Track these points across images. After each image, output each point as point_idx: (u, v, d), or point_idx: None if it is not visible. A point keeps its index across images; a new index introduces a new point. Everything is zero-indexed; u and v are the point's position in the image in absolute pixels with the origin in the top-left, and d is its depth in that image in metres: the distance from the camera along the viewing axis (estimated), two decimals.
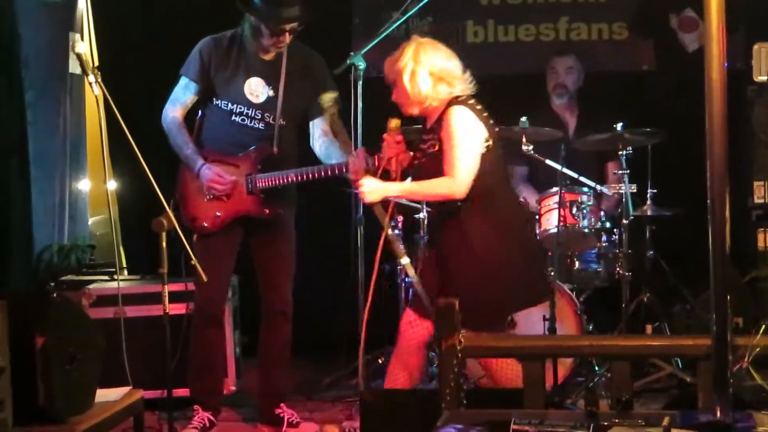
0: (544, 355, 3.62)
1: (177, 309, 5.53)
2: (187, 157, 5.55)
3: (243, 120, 5.56)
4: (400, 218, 6.42)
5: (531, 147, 6.29)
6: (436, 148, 4.91)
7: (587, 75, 7.16)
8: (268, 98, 5.57)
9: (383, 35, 5.78)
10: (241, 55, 5.58)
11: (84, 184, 7.58)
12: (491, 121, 4.95)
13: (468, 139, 4.82)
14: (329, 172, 5.37)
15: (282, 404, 5.75)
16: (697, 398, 3.29)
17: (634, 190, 6.35)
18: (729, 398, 2.94)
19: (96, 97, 4.76)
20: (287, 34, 5.45)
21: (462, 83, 4.94)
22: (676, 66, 7.43)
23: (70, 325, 4.23)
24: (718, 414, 2.94)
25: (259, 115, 5.56)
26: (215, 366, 5.82)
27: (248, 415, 5.99)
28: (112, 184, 7.33)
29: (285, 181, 5.47)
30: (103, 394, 4.45)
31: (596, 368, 6.19)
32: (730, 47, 2.91)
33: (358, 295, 5.67)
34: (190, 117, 5.69)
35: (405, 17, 6.01)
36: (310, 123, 5.68)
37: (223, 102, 5.57)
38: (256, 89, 5.57)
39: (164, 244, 4.90)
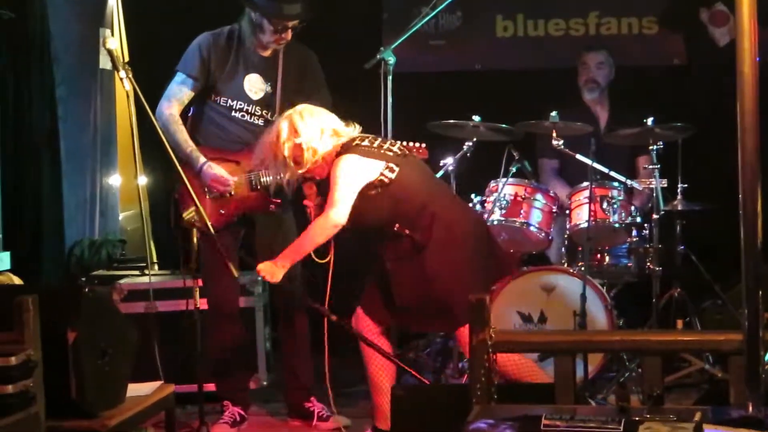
0: (575, 350, 3.61)
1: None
2: (187, 155, 5.49)
3: (243, 116, 5.56)
4: None
5: (561, 141, 6.28)
6: None
7: (617, 69, 7.13)
8: (266, 94, 5.58)
9: (413, 30, 5.78)
10: (240, 51, 5.57)
11: (115, 180, 7.63)
12: (388, 147, 5.02)
13: (347, 180, 4.91)
14: None
15: (312, 398, 5.75)
16: (728, 394, 3.28)
17: (665, 185, 6.31)
18: (761, 393, 2.93)
19: (126, 92, 4.79)
20: (289, 30, 5.47)
21: (346, 127, 5.06)
22: (706, 60, 7.39)
23: (102, 320, 4.25)
24: (750, 409, 2.93)
25: (259, 112, 5.57)
26: (234, 363, 5.78)
27: (280, 409, 5.99)
28: (142, 180, 7.35)
29: None
30: (135, 389, 4.47)
31: (627, 363, 6.17)
32: (761, 41, 2.89)
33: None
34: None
35: (435, 12, 6.02)
36: None
37: (222, 98, 5.56)
38: (255, 85, 5.57)
39: (195, 239, 4.93)
